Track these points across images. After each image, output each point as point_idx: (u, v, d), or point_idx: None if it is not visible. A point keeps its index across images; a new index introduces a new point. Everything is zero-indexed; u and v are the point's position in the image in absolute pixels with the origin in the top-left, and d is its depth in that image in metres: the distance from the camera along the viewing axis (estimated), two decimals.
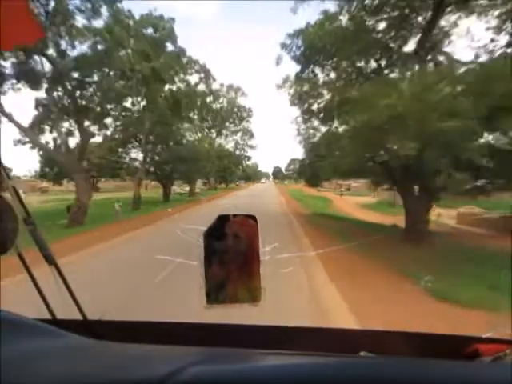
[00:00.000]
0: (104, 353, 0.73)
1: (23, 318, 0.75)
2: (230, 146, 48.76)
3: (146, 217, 15.97)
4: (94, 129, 19.37)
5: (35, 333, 0.72)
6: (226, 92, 37.81)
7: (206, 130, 37.04)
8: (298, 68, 13.85)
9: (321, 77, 13.67)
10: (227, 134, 45.58)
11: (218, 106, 36.68)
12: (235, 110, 40.24)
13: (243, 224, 0.75)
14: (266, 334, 0.99)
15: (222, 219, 0.74)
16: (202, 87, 23.00)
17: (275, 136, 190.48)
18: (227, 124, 43.43)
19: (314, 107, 13.33)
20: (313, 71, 13.66)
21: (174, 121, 20.27)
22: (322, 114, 13.13)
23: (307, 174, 15.49)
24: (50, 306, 0.88)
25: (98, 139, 27.23)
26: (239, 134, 47.62)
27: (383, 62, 13.75)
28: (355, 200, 34.67)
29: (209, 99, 30.05)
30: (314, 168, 12.82)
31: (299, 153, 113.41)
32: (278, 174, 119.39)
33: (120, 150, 24.50)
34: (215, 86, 32.40)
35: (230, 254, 0.73)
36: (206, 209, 19.83)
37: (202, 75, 19.35)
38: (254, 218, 0.76)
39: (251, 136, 49.15)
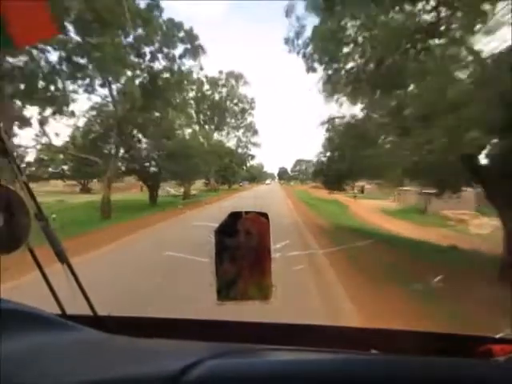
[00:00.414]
0: (116, 346, 0.71)
1: (36, 310, 0.74)
2: (231, 143, 44.46)
3: (104, 233, 11.76)
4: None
5: (48, 325, 0.71)
6: (226, 80, 33.31)
7: (203, 123, 32.68)
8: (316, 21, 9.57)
9: (350, 31, 9.35)
10: (228, 130, 41.19)
11: (217, 96, 32.30)
12: (235, 100, 35.60)
13: (255, 221, 0.74)
14: (278, 331, 0.97)
15: (234, 216, 0.73)
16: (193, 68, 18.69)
17: (280, 136, 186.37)
18: (228, 119, 39.05)
19: (343, 74, 8.98)
20: (339, 24, 9.34)
21: (153, 105, 16.08)
22: (349, 84, 8.81)
23: (327, 174, 11.02)
24: (60, 301, 0.89)
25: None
26: (241, 131, 43.16)
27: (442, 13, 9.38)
28: (373, 204, 30.29)
29: (205, 87, 25.73)
30: (345, 163, 8.39)
31: (306, 153, 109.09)
32: (283, 174, 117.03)
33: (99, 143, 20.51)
34: (213, 73, 28.18)
35: (242, 250, 0.73)
36: (196, 217, 15.67)
37: (189, 46, 15.05)
38: (265, 215, 0.75)
39: (255, 132, 44.59)
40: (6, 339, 0.60)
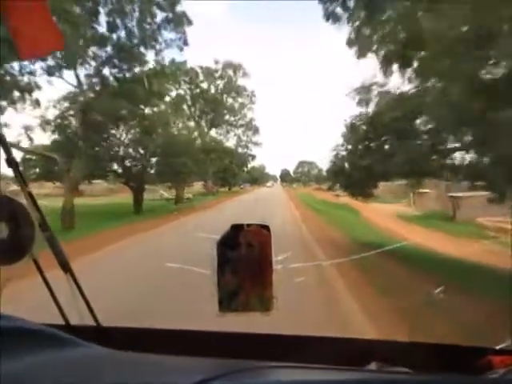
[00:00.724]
0: (119, 363, 0.71)
1: (37, 325, 0.72)
2: (231, 143, 41.49)
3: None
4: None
5: (50, 341, 0.70)
6: (223, 71, 30.22)
7: (197, 118, 29.71)
8: None
9: None
10: (227, 128, 38.16)
11: (212, 88, 29.34)
12: (233, 94, 32.47)
13: (256, 234, 0.74)
14: (279, 343, 0.98)
15: (236, 228, 0.74)
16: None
17: (283, 137, 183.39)
18: (227, 116, 36.06)
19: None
20: None
21: (132, 93, 13.18)
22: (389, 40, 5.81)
23: (351, 174, 7.96)
24: (63, 311, 0.89)
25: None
26: (241, 129, 40.11)
27: None
28: (387, 209, 27.03)
29: (200, 78, 22.80)
30: (384, 157, 5.34)
31: (308, 155, 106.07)
32: (285, 176, 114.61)
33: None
34: (209, 63, 25.21)
35: (243, 263, 0.73)
36: (192, 226, 12.79)
37: (171, 15, 12.02)
38: (267, 227, 0.75)
39: (256, 131, 41.49)
40: (7, 356, 0.58)
